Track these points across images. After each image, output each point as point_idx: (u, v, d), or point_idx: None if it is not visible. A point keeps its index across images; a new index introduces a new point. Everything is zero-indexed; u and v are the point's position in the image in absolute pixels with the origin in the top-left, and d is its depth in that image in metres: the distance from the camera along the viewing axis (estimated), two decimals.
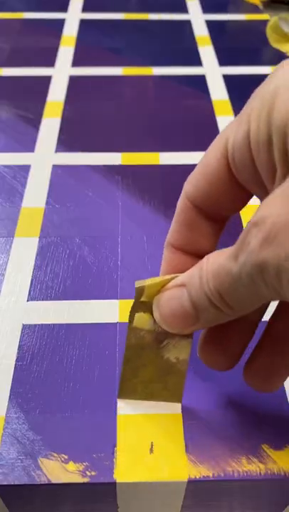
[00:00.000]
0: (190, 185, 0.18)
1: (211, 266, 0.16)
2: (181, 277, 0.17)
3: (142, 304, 0.19)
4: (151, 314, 0.19)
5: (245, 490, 0.21)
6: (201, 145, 0.37)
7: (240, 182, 0.16)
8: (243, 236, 0.14)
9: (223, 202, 0.17)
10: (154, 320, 0.19)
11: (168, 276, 0.18)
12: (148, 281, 0.19)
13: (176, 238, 0.19)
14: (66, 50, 0.49)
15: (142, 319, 0.19)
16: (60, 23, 0.53)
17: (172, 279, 0.18)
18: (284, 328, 0.19)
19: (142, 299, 0.19)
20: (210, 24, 0.54)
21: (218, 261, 0.15)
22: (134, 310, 0.19)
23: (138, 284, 0.19)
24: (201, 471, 0.20)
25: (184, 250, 0.19)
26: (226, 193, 0.17)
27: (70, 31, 0.52)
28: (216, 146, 0.17)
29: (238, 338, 0.19)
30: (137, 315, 0.19)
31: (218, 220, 0.18)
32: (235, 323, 0.18)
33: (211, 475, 0.20)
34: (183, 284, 0.17)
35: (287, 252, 0.13)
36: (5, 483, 0.20)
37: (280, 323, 0.19)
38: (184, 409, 0.22)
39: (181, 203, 0.18)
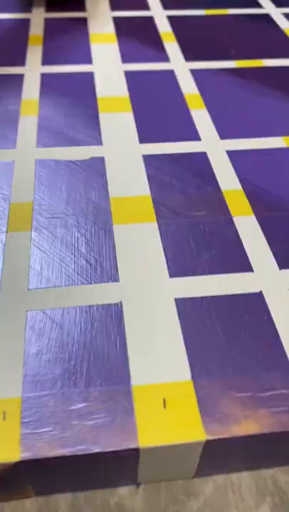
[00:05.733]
0: None
1: None
2: None
3: None
4: None
5: (266, 443, 0.22)
6: (179, 138, 0.39)
7: None
8: None
9: None
10: None
11: None
12: None
13: None
14: (35, 49, 0.49)
15: None
16: (27, 22, 0.54)
17: None
18: None
19: None
20: (172, 19, 0.55)
21: None
22: None
23: None
24: (216, 431, 0.21)
25: None
26: None
27: (37, 30, 0.52)
28: None
29: None
30: None
31: None
32: None
33: (226, 434, 0.21)
34: None
35: None
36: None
37: None
38: (194, 375, 0.23)
39: None
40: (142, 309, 0.26)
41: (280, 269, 0.28)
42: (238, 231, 0.31)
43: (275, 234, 0.31)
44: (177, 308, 0.26)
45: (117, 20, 0.55)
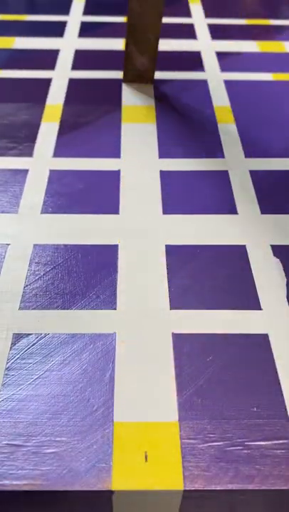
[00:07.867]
0: None
1: None
2: None
3: None
4: None
5: (246, 499, 0.20)
6: (202, 153, 0.37)
7: None
8: None
9: None
10: None
11: None
12: None
13: None
14: (66, 53, 0.48)
15: None
16: (62, 25, 0.53)
17: None
18: None
19: None
20: (211, 27, 0.53)
21: None
22: None
23: None
24: (197, 481, 0.20)
25: None
26: None
27: (71, 34, 0.52)
28: None
29: None
30: None
31: None
32: None
33: (207, 485, 0.20)
34: None
35: None
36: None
37: None
38: (181, 423, 0.21)
39: None
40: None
41: None
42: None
43: None
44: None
45: None
